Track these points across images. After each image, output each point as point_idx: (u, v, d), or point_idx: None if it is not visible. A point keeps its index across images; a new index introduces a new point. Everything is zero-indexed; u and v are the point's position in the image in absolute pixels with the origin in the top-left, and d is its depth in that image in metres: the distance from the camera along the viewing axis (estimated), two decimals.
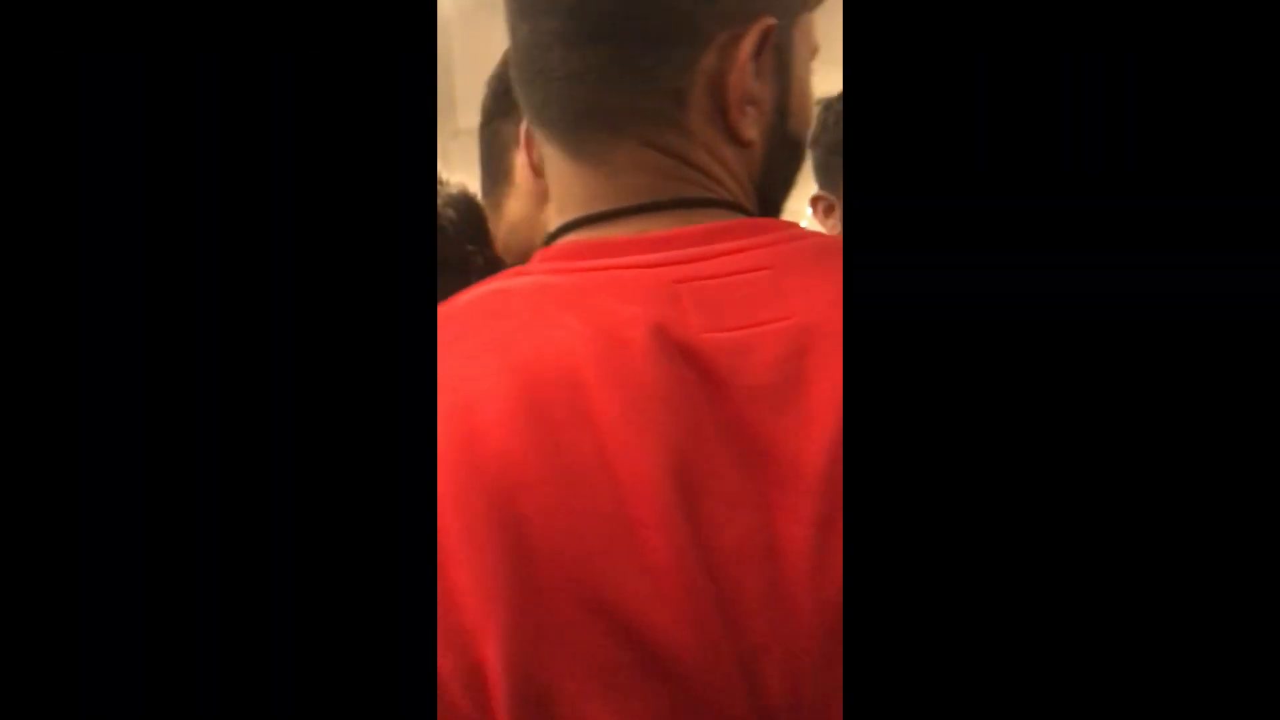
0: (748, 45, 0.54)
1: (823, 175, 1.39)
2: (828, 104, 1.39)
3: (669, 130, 0.56)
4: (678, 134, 0.56)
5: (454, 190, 1.05)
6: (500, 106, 0.99)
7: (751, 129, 0.57)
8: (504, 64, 0.99)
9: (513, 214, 1.01)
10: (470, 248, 1.00)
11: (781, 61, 0.58)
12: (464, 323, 0.55)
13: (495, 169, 1.03)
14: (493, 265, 0.98)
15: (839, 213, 1.36)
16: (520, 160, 0.96)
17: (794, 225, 0.58)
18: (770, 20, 0.54)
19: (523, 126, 0.88)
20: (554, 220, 0.60)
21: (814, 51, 0.61)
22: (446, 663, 0.48)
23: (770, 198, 0.61)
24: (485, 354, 0.52)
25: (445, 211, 1.01)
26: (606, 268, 0.54)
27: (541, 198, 0.95)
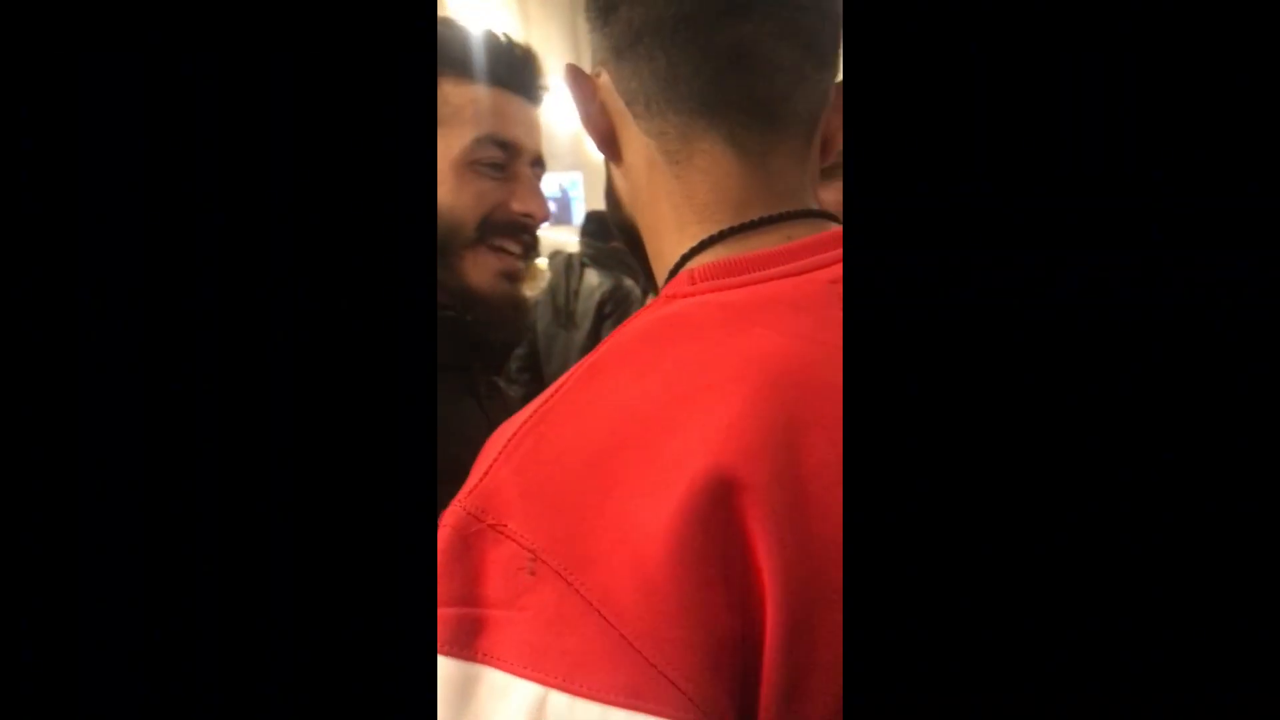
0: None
1: None
2: None
3: (808, 145, 0.60)
4: (809, 150, 0.61)
5: None
6: None
7: None
8: None
9: None
10: None
11: None
12: (652, 347, 0.56)
13: None
14: None
15: None
16: None
17: None
18: None
19: None
20: (692, 219, 0.60)
21: None
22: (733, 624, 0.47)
23: None
24: (699, 364, 0.52)
25: None
26: (765, 279, 0.56)
27: None
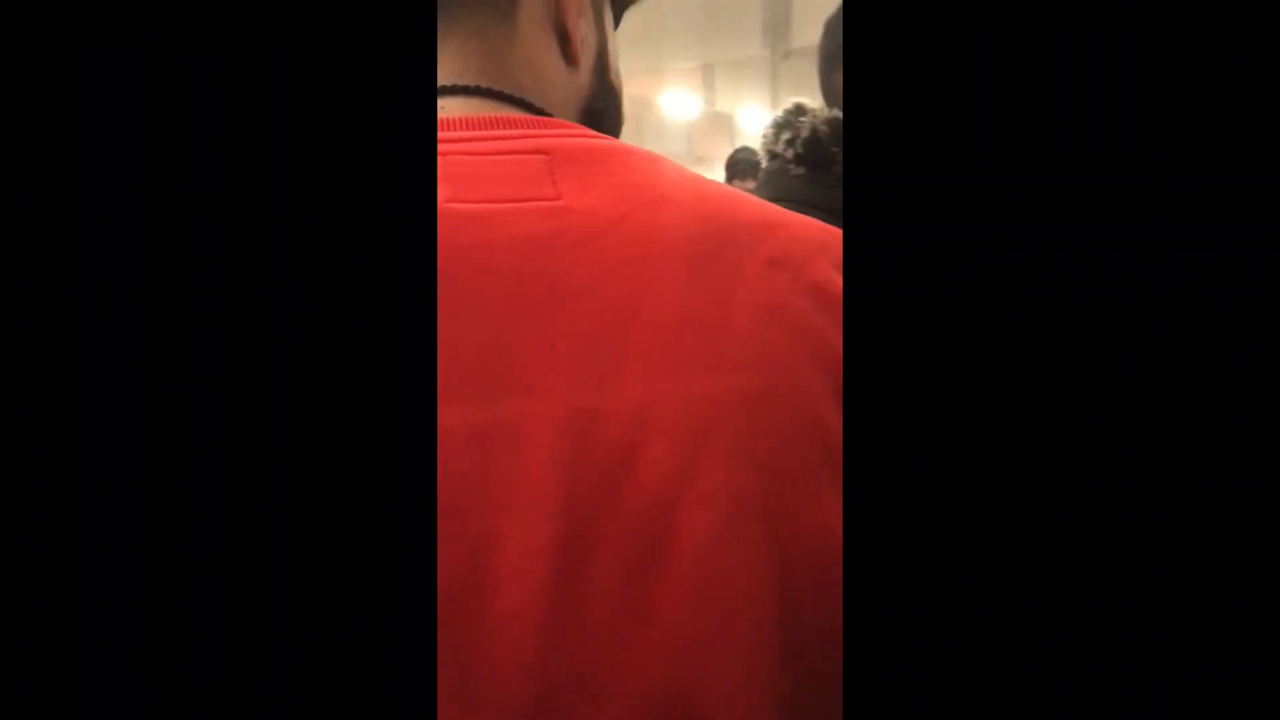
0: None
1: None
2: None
3: (496, 29, 0.57)
4: (505, 34, 0.57)
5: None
6: None
7: (582, 53, 0.59)
8: None
9: None
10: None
11: (599, 16, 0.61)
12: None
13: None
14: None
15: None
16: None
17: (596, 133, 0.56)
18: None
19: None
20: None
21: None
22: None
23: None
24: None
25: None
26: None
27: None
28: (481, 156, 0.52)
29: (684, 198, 0.51)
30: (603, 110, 0.63)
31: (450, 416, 0.48)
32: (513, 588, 0.45)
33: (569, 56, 0.59)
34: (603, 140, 0.55)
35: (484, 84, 0.56)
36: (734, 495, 0.45)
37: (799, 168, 1.48)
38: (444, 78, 0.56)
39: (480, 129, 0.54)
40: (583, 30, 0.59)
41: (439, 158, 0.51)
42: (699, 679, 0.44)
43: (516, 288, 0.48)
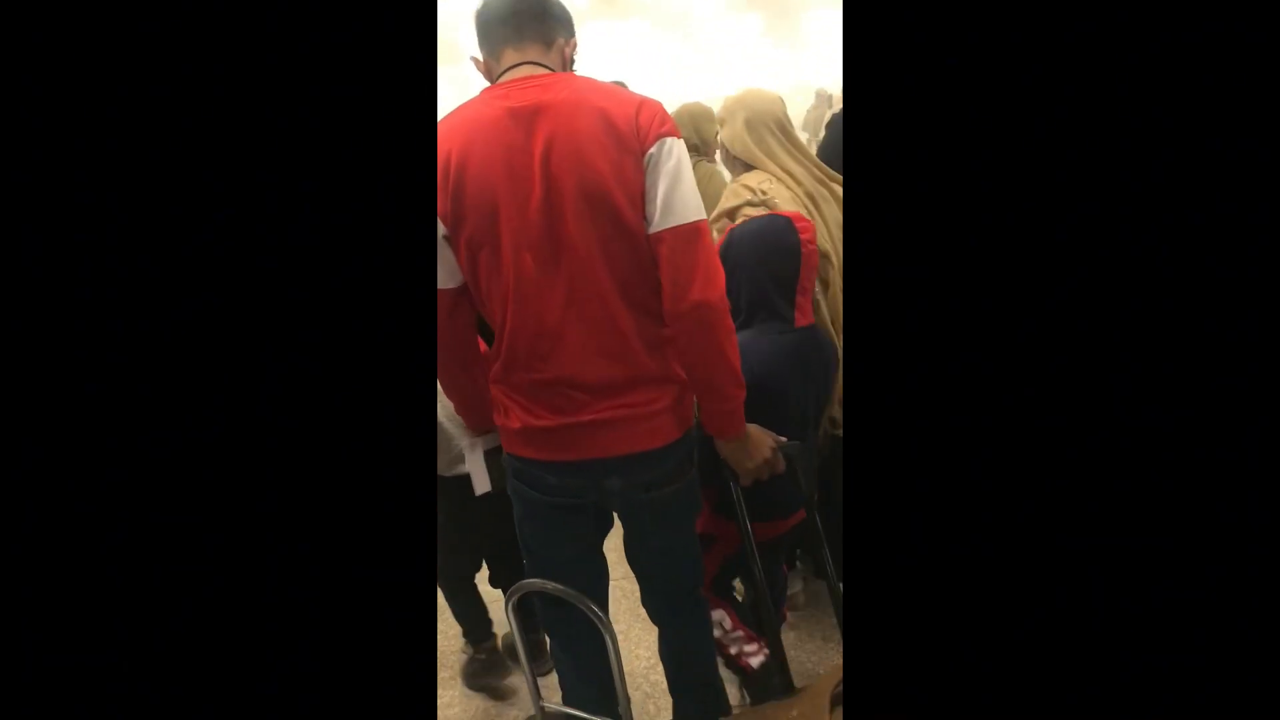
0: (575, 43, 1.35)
1: None
2: None
3: (542, 48, 1.29)
4: (545, 50, 1.29)
5: None
6: None
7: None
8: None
9: None
10: None
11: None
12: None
13: None
14: None
15: None
16: None
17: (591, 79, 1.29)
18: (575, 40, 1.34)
19: None
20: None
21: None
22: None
23: None
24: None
25: None
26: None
27: None
28: (522, 85, 1.23)
29: (579, 86, 1.21)
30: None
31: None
32: None
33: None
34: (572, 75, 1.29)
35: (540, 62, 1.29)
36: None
37: None
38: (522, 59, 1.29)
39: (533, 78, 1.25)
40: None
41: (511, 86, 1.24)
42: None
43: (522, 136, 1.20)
